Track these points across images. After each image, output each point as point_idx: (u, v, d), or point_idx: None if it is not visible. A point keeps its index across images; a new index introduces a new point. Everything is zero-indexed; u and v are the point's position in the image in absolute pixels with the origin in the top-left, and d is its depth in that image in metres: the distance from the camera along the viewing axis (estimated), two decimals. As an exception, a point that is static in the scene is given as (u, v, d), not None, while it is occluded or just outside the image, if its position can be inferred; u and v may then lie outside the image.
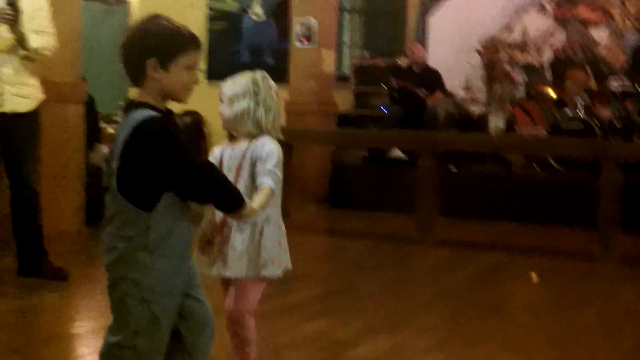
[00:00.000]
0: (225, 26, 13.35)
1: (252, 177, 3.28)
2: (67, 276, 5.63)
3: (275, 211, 3.38)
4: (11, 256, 5.77)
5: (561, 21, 11.60)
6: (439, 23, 12.40)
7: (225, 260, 3.34)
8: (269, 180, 3.20)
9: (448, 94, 10.81)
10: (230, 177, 3.21)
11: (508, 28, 11.78)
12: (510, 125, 9.85)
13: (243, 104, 3.30)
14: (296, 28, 10.55)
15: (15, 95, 5.41)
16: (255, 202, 3.05)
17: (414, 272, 6.72)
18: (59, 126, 6.31)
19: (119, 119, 8.81)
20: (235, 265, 3.33)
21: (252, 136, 3.33)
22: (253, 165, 3.29)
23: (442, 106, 10.69)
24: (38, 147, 5.64)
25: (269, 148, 3.29)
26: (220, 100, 3.37)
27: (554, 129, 9.80)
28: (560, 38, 11.62)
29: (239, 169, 3.32)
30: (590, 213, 7.62)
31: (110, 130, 8.84)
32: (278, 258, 3.38)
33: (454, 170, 9.75)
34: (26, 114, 5.49)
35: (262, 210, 3.13)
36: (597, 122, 9.67)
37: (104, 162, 8.36)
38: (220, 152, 3.46)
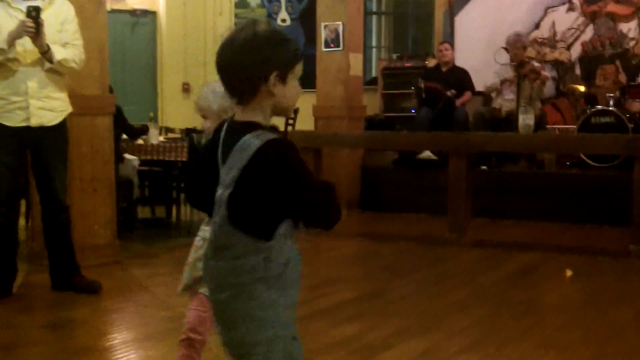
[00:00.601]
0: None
1: None
2: (99, 289, 5.67)
3: None
4: (44, 271, 5.82)
5: (590, 16, 11.51)
6: (466, 23, 12.36)
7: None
8: None
9: (477, 94, 10.76)
10: None
11: (536, 25, 11.70)
12: (540, 123, 9.78)
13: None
14: (323, 33, 10.55)
15: (41, 109, 5.42)
16: None
17: (447, 273, 6.69)
18: (88, 139, 6.33)
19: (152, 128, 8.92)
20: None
21: None
22: None
23: (472, 106, 10.64)
24: (66, 160, 5.66)
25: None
26: (203, 117, 3.19)
27: (585, 126, 9.72)
28: (589, 34, 11.53)
29: None
30: (625, 210, 7.55)
31: (140, 141, 8.87)
32: None
33: (485, 169, 9.70)
34: (53, 127, 5.51)
35: None
36: (629, 117, 9.57)
37: (136, 174, 8.41)
38: None
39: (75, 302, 5.46)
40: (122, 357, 4.33)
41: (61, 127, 5.58)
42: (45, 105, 5.45)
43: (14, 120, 5.38)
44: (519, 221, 8.98)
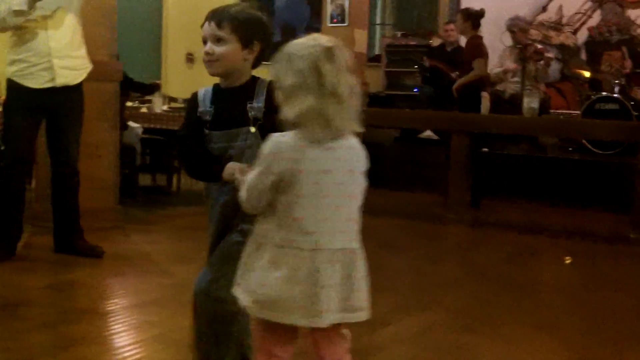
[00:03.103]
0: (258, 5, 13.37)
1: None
2: (101, 253, 5.70)
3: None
4: (47, 233, 5.84)
5: (598, 1, 11.48)
6: (472, 2, 12.31)
7: None
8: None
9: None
10: None
11: (543, 8, 11.67)
12: (544, 106, 9.78)
13: (305, 101, 2.43)
14: (329, 7, 10.53)
15: (64, 68, 5.46)
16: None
17: (445, 251, 6.72)
18: (94, 104, 6.32)
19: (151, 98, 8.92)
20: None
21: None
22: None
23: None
24: (82, 125, 5.70)
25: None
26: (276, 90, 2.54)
27: (589, 111, 9.73)
28: (596, 19, 11.50)
29: None
30: (625, 196, 7.58)
31: (144, 109, 8.88)
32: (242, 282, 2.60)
33: (486, 151, 9.71)
34: (76, 87, 5.56)
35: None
36: (633, 105, 9.59)
37: (138, 142, 8.43)
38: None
39: (76, 265, 5.49)
40: (122, 322, 4.35)
41: (80, 88, 5.62)
42: (69, 64, 5.49)
43: (38, 81, 5.41)
44: (519, 203, 9.00)
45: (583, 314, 4.90)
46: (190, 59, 13.76)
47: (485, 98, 9.24)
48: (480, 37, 8.97)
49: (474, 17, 8.88)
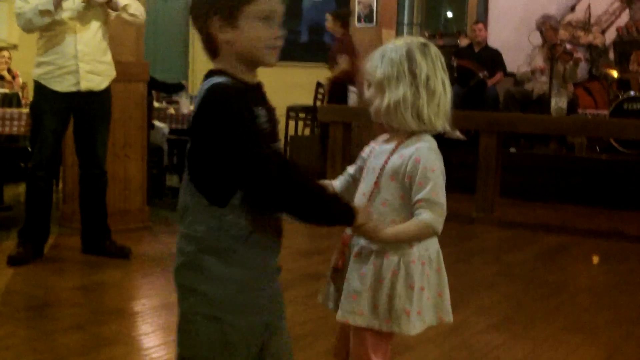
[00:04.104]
0: (285, 5, 13.39)
1: (394, 191, 2.45)
2: (129, 254, 5.71)
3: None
4: (74, 234, 5.86)
5: (626, 1, 11.39)
6: (501, 2, 12.27)
7: (336, 296, 2.57)
8: (427, 214, 2.38)
9: (509, 75, 10.72)
10: (369, 182, 2.50)
11: (571, 8, 11.59)
12: (572, 106, 9.72)
13: (397, 92, 2.41)
14: (357, 7, 10.51)
15: (90, 72, 5.47)
16: (393, 229, 2.38)
17: (474, 251, 6.69)
18: (122, 105, 6.36)
19: (179, 99, 8.96)
20: (348, 307, 2.49)
21: (409, 133, 2.46)
22: (397, 176, 2.44)
23: (502, 86, 10.60)
24: (109, 125, 5.72)
25: (426, 161, 2.40)
26: (367, 82, 2.53)
27: (618, 111, 9.66)
28: (624, 18, 11.42)
29: (379, 177, 2.48)
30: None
31: (171, 110, 8.90)
32: (414, 307, 2.45)
33: (514, 151, 9.68)
34: (100, 92, 5.56)
35: (397, 242, 2.41)
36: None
37: (165, 142, 8.45)
38: (369, 151, 2.60)
39: (105, 265, 5.50)
40: (151, 322, 4.37)
41: (107, 92, 5.64)
42: (94, 69, 5.50)
43: (64, 85, 5.42)
44: (548, 203, 8.96)
45: (612, 314, 4.85)
46: (217, 60, 13.78)
47: (353, 92, 9.41)
48: (350, 36, 9.89)
49: (342, 17, 9.84)
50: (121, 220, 6.14)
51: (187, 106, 8.89)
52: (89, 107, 5.52)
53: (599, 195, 8.92)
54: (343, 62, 9.55)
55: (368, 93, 2.50)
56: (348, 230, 2.47)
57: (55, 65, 5.39)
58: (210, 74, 2.12)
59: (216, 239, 2.07)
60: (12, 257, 5.37)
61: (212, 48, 2.13)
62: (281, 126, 12.94)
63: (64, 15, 5.33)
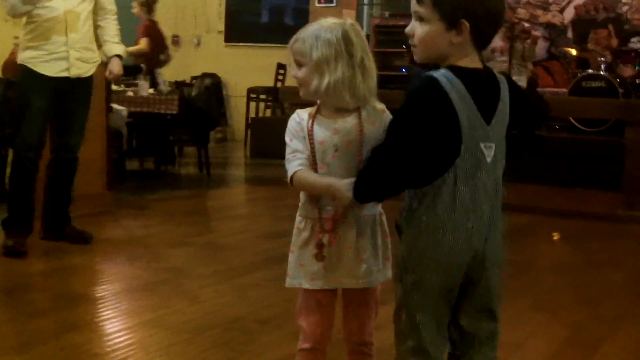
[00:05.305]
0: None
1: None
2: (90, 239, 5.66)
3: None
4: (35, 220, 5.79)
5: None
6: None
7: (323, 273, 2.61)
8: None
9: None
10: (350, 156, 2.53)
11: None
12: (532, 84, 9.77)
13: (337, 72, 2.47)
14: (317, -13, 10.50)
15: (78, 60, 5.46)
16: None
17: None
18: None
19: (137, 81, 8.88)
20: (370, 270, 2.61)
21: (345, 110, 2.54)
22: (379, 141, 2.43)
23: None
24: (88, 113, 5.69)
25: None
26: (296, 62, 2.56)
27: (576, 90, 9.73)
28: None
29: (360, 148, 2.52)
30: (614, 175, 7.57)
31: (130, 93, 8.82)
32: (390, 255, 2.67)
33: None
34: (85, 79, 5.55)
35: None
36: (619, 82, 9.58)
37: (124, 125, 8.37)
38: (308, 126, 2.57)
39: (66, 251, 5.44)
40: (114, 307, 4.33)
41: (92, 78, 5.64)
42: (82, 57, 5.49)
43: (54, 69, 5.39)
44: (509, 183, 8.95)
45: (576, 293, 4.90)
46: (176, 41, 13.69)
47: (160, 74, 9.87)
48: (155, 22, 10.64)
49: (148, 4, 10.43)
50: (82, 205, 6.07)
51: (145, 89, 8.82)
52: (73, 92, 5.49)
53: (560, 174, 8.97)
54: (142, 43, 10.26)
55: (300, 73, 2.53)
56: (328, 210, 2.54)
57: (45, 50, 5.36)
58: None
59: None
60: (8, 248, 5.26)
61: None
62: (242, 108, 12.93)
63: (63, 8, 5.34)
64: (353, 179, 2.35)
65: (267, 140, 10.97)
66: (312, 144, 2.53)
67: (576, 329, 4.16)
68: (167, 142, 9.29)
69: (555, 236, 6.75)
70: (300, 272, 2.60)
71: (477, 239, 2.24)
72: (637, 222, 7.11)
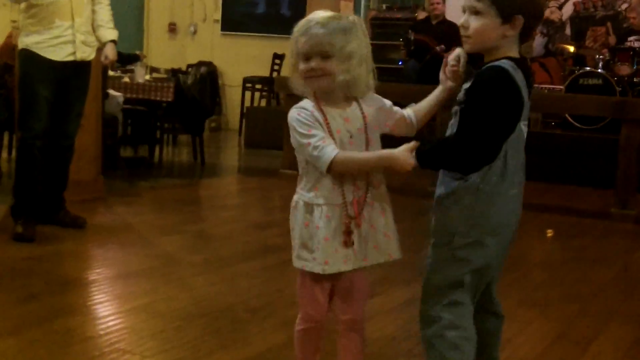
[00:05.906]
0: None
1: (378, 138, 2.70)
2: (84, 225, 5.67)
3: None
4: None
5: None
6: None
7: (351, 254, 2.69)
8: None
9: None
10: (360, 142, 2.63)
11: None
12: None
13: (361, 67, 2.58)
14: (314, -21, 10.46)
15: (83, 43, 5.49)
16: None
17: (425, 226, 6.69)
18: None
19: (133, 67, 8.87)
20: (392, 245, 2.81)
21: (347, 98, 2.65)
22: (379, 123, 2.69)
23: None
24: (85, 102, 5.72)
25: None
26: (318, 53, 2.54)
27: (573, 87, 9.73)
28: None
29: (367, 133, 2.65)
30: (608, 173, 7.58)
31: (126, 79, 8.81)
32: None
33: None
34: (86, 64, 5.59)
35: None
36: (616, 80, 9.59)
37: (120, 111, 8.37)
38: (321, 117, 2.59)
39: (59, 236, 5.45)
40: (105, 292, 4.35)
41: (91, 64, 5.68)
42: (86, 40, 5.53)
43: (60, 54, 5.39)
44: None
45: (566, 289, 4.90)
46: (172, 29, 13.68)
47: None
48: None
49: None
50: (75, 191, 6.06)
51: (142, 75, 8.81)
52: (75, 78, 5.51)
53: (553, 170, 8.98)
54: None
55: (328, 65, 2.55)
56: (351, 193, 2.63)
57: (50, 34, 5.35)
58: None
59: None
60: (18, 235, 5.25)
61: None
62: (237, 97, 12.93)
63: None
64: (406, 146, 2.49)
65: (262, 130, 10.98)
66: (330, 133, 2.57)
67: (566, 326, 4.16)
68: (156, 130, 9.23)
69: (549, 233, 6.76)
70: (336, 258, 2.65)
71: (519, 206, 2.67)
72: (629, 220, 7.13)
